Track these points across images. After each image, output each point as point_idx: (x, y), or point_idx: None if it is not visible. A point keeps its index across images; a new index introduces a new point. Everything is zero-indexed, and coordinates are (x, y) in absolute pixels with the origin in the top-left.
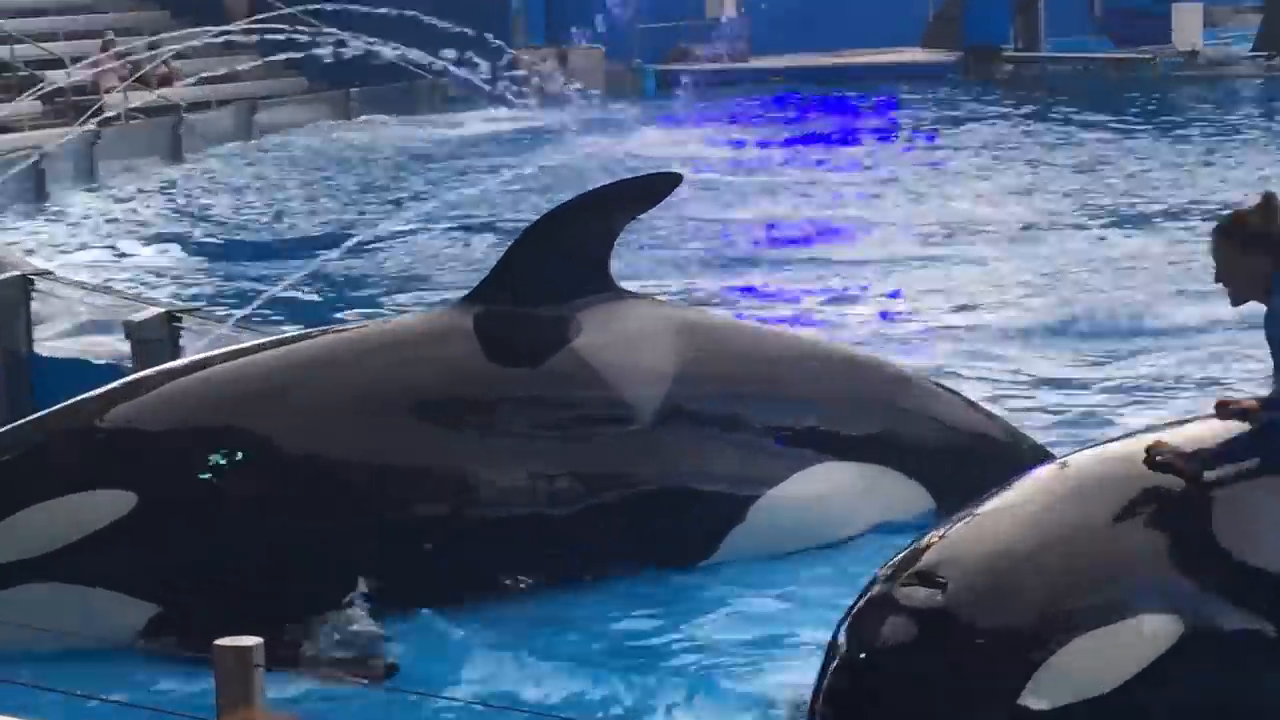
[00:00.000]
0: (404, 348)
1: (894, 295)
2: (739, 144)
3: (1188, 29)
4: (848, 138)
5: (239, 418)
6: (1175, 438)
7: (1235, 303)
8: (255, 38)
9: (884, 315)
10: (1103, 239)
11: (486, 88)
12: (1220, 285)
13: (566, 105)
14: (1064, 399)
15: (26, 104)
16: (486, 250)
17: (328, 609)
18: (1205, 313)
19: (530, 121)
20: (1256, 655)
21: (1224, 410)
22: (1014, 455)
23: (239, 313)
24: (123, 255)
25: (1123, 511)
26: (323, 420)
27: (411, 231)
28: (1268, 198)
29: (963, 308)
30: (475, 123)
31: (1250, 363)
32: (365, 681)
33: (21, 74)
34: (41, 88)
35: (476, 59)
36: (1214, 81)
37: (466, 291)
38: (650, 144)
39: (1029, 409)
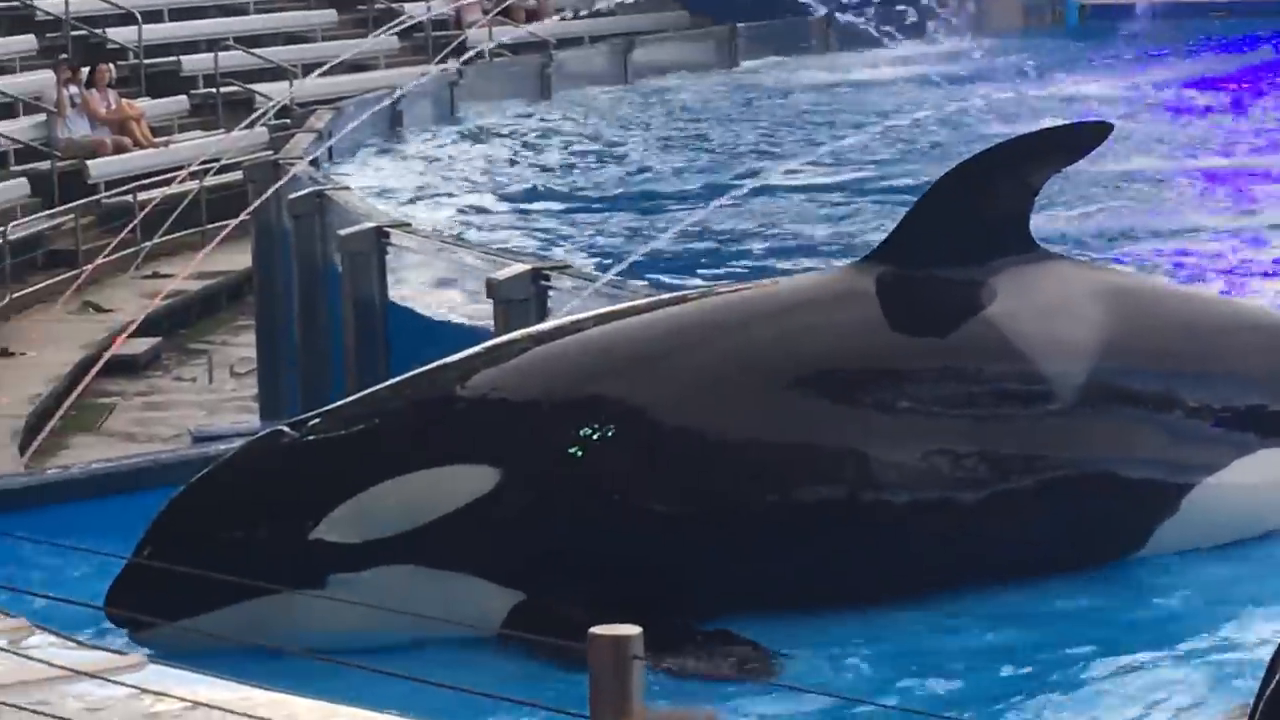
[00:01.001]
0: (797, 313)
1: None
2: (1181, 86)
3: None
4: None
5: (615, 388)
6: None
7: None
8: None
9: None
10: None
11: (883, 26)
12: None
13: (971, 44)
14: None
15: (384, 39)
16: (895, 207)
17: (708, 601)
18: None
19: (932, 62)
20: None
21: None
22: None
23: (611, 271)
24: (483, 206)
25: None
26: (708, 393)
27: (814, 185)
28: None
29: None
30: (872, 64)
31: None
32: (752, 678)
33: (379, 7)
34: (400, 22)
35: None
36: None
37: (869, 251)
38: (1077, 90)
39: None
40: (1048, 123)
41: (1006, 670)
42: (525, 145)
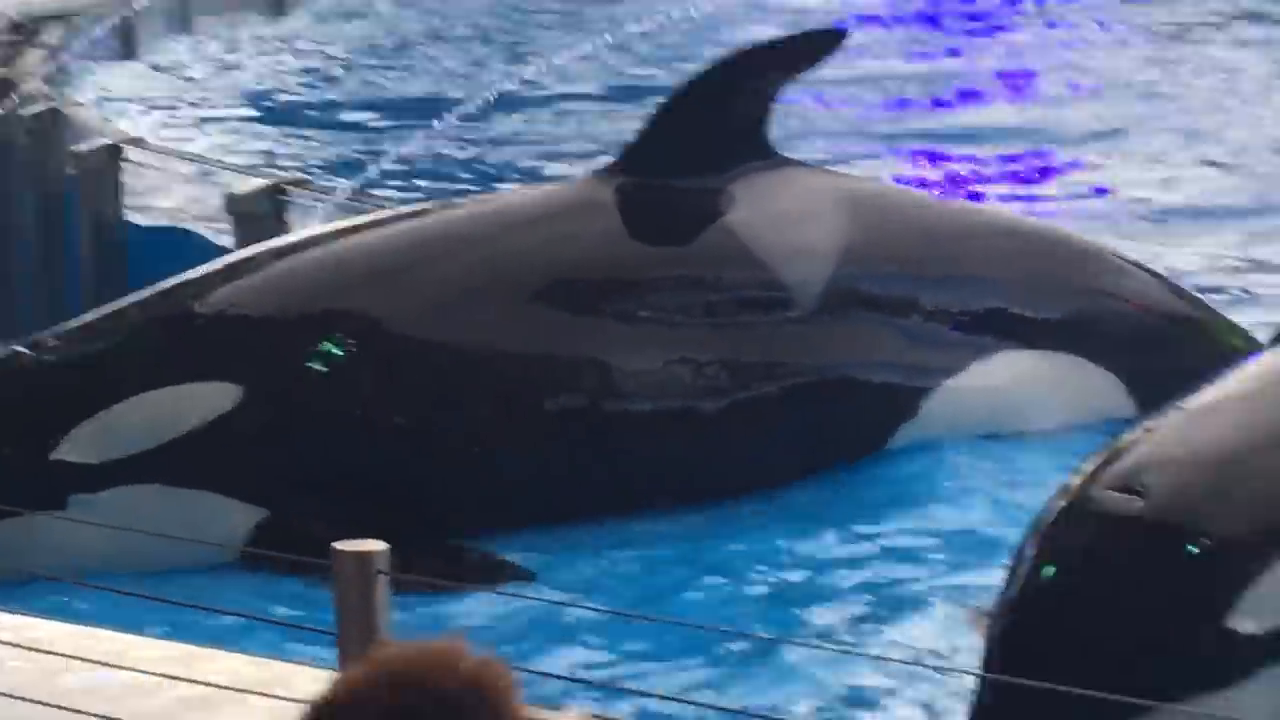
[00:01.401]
0: (538, 225)
1: (1076, 165)
2: None
3: None
4: None
5: (355, 302)
6: None
7: None
8: None
9: (1072, 181)
10: None
11: None
12: None
13: None
14: (1272, 280)
15: None
16: (626, 115)
17: (455, 514)
18: None
19: None
20: None
21: None
22: (1219, 343)
23: (351, 183)
24: (221, 119)
25: None
26: (448, 306)
27: (557, 94)
28: None
29: (1164, 181)
30: None
31: None
32: (495, 589)
33: None
34: None
35: None
36: None
37: (611, 160)
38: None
39: (1232, 292)
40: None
41: (715, 577)
42: (263, 58)
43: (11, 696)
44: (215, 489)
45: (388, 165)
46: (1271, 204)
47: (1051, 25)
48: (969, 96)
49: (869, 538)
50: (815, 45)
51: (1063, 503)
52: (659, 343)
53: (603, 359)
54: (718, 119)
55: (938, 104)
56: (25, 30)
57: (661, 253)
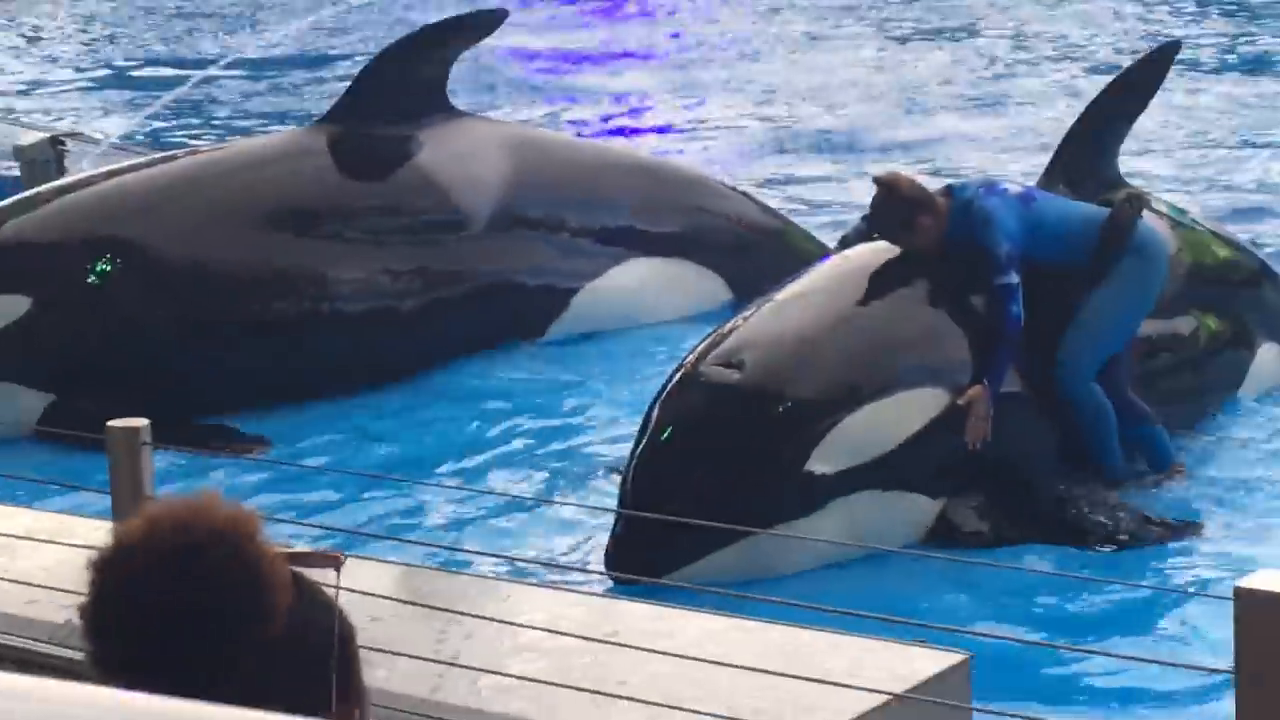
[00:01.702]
0: (265, 165)
1: (698, 104)
2: None
3: None
4: None
5: (122, 229)
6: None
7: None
8: None
9: (673, 121)
10: (861, 49)
11: None
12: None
13: None
14: (814, 195)
15: None
16: (341, 78)
17: (204, 394)
18: (946, 125)
19: None
20: (1004, 416)
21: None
22: (798, 249)
23: (114, 137)
24: (13, 86)
25: (894, 301)
26: (197, 230)
27: (275, 60)
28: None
29: (742, 114)
30: None
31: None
32: (243, 454)
33: None
34: None
35: None
36: None
37: (320, 115)
38: None
39: (792, 205)
40: (456, 11)
41: (413, 447)
42: (42, 34)
43: None
44: (14, 380)
45: (147, 120)
46: (803, 135)
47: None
48: (616, 61)
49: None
50: (483, 22)
51: (679, 374)
52: (361, 256)
53: (318, 270)
54: (407, 80)
55: (590, 61)
56: None
57: (363, 187)
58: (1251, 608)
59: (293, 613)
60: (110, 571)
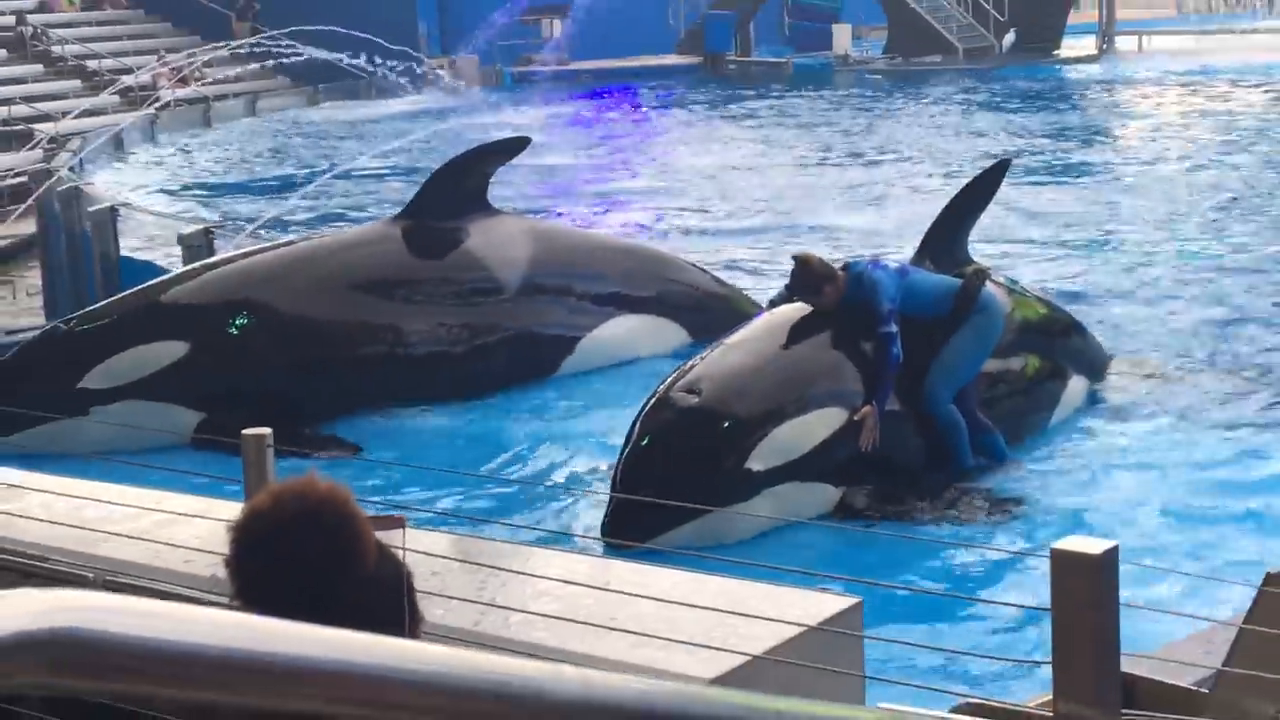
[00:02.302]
0: (357, 247)
1: (652, 214)
2: (569, 118)
3: (842, 40)
4: (635, 111)
5: (256, 293)
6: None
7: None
8: (254, 49)
9: (650, 218)
10: (787, 165)
11: (405, 82)
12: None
13: (455, 94)
14: (753, 269)
15: (107, 97)
16: (411, 184)
17: (313, 412)
18: (843, 219)
19: (435, 104)
20: (887, 427)
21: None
22: (740, 308)
23: (251, 227)
24: (176, 191)
25: (810, 343)
26: (309, 295)
27: (364, 174)
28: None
29: (698, 212)
30: (400, 105)
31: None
32: (339, 454)
33: (106, 78)
34: (119, 86)
35: (398, 63)
36: (860, 74)
37: (397, 211)
38: (512, 119)
39: (737, 276)
40: (495, 137)
41: (475, 448)
42: (199, 155)
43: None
44: (175, 402)
45: (271, 218)
46: (744, 226)
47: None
48: (610, 172)
49: (558, 419)
50: (515, 145)
51: (654, 398)
52: (428, 314)
53: (394, 323)
54: (457, 187)
55: (595, 177)
56: (58, 140)
57: (426, 264)
58: (1062, 563)
59: (375, 560)
60: (248, 531)
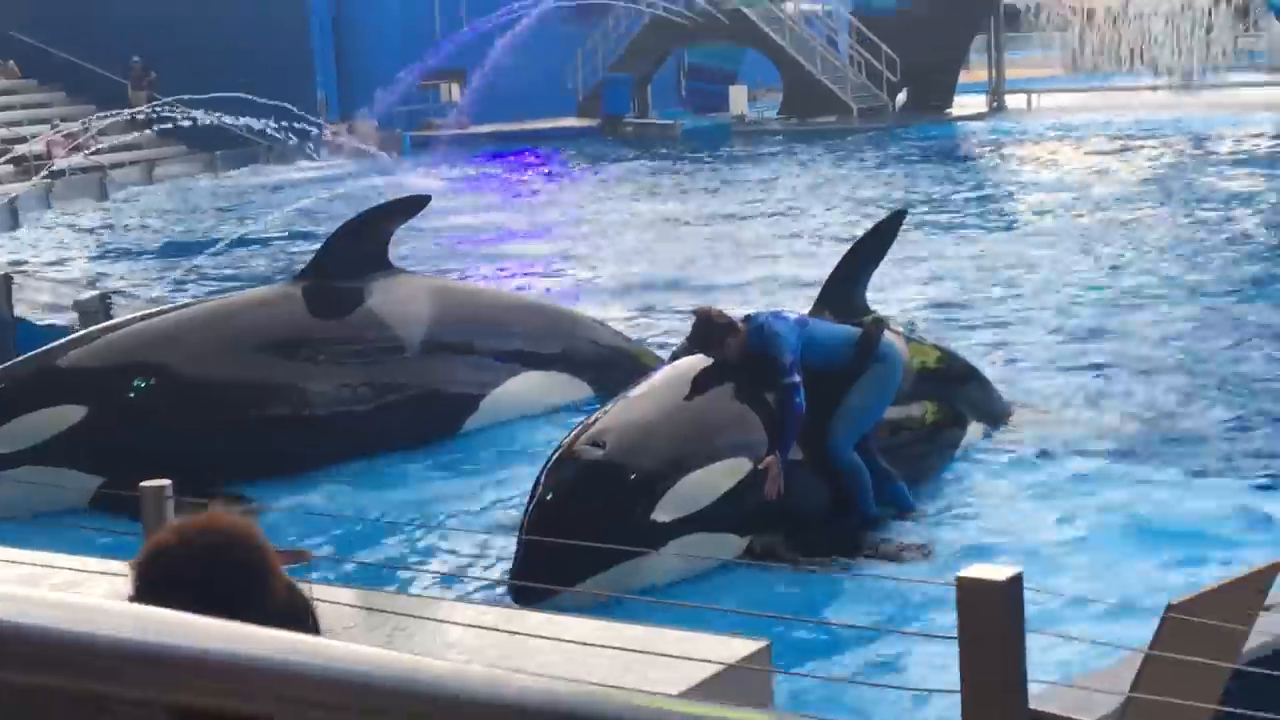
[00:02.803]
0: (258, 308)
1: (555, 272)
2: (470, 180)
3: (738, 101)
4: (532, 172)
5: (151, 355)
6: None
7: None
8: (149, 116)
9: (552, 276)
10: (686, 223)
11: (304, 148)
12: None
13: (355, 158)
14: (655, 324)
15: (1, 167)
16: (310, 247)
17: (217, 477)
18: (737, 275)
19: (335, 169)
20: (791, 476)
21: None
22: (641, 361)
23: (149, 294)
24: (71, 258)
25: (712, 395)
26: (204, 356)
27: (263, 239)
28: (705, 313)
29: (600, 269)
30: (299, 171)
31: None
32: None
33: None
34: (12, 155)
35: (296, 128)
36: (757, 135)
37: (297, 272)
38: (411, 181)
39: (639, 330)
40: (395, 196)
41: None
42: (95, 223)
43: None
44: (73, 467)
45: (170, 282)
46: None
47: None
48: (510, 231)
49: (464, 472)
50: (414, 204)
51: (558, 452)
52: (329, 374)
53: (296, 383)
54: (360, 247)
55: (495, 236)
56: None
57: (328, 324)
58: (969, 592)
59: (284, 594)
60: (151, 566)
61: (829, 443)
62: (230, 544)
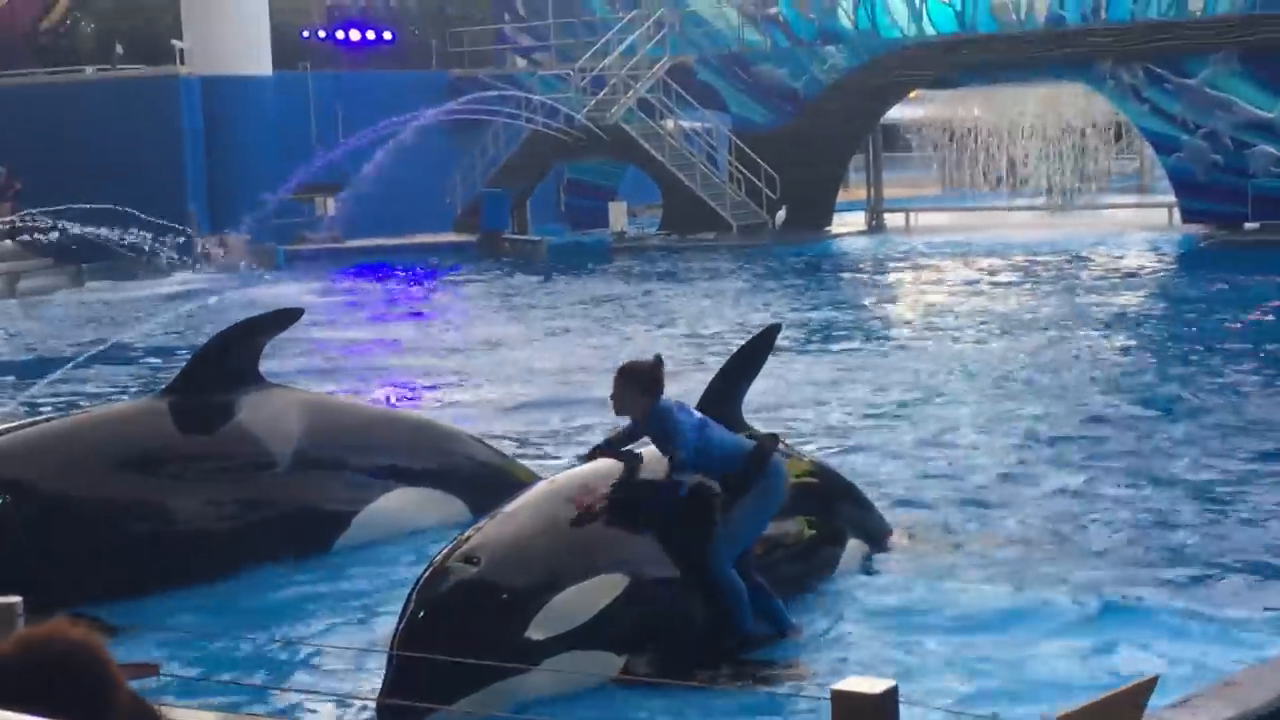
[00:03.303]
0: (120, 423)
1: (430, 388)
2: (344, 294)
3: (618, 217)
4: (407, 286)
5: (9, 469)
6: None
7: (619, 415)
8: (13, 226)
9: (426, 392)
10: (564, 338)
11: (175, 260)
12: (610, 403)
13: (227, 271)
14: (532, 441)
15: None
16: (178, 362)
17: (72, 596)
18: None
19: (205, 283)
20: (669, 593)
21: (597, 453)
22: (515, 477)
23: (3, 410)
24: None
25: (590, 510)
26: (67, 471)
27: (129, 354)
28: (657, 357)
29: (474, 386)
30: (169, 284)
31: None
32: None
33: None
34: None
35: (166, 241)
36: (638, 250)
37: (164, 386)
38: (284, 294)
39: (518, 449)
40: (263, 310)
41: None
42: None
43: None
44: None
45: (31, 393)
46: (525, 401)
47: (415, 298)
48: (383, 347)
49: (334, 591)
50: (286, 317)
51: (430, 569)
52: (195, 491)
53: (159, 500)
54: (229, 360)
55: (368, 351)
56: None
57: (194, 439)
58: (843, 705)
59: (128, 707)
60: None
61: (708, 558)
62: (71, 654)
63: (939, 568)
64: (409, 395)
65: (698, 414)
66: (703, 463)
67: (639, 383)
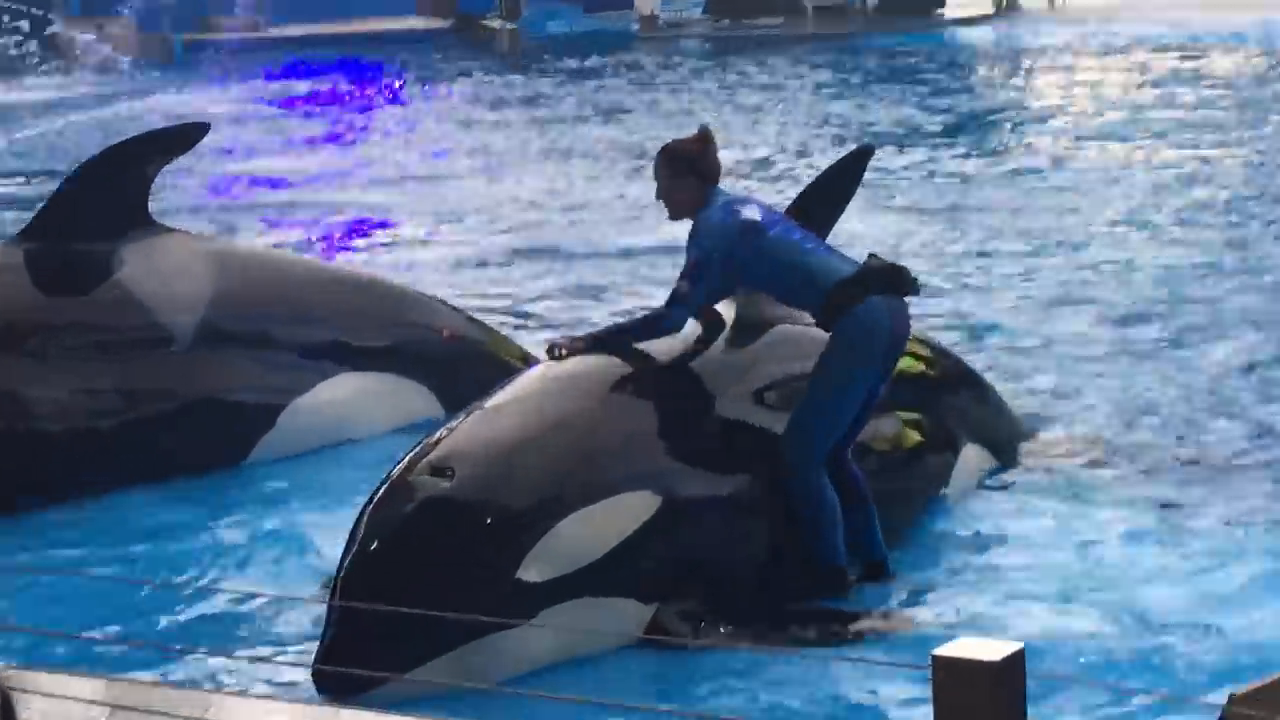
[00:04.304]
0: None
1: (386, 225)
2: (262, 102)
3: None
4: (354, 91)
5: None
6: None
7: (673, 218)
8: None
9: (379, 237)
10: (560, 172)
11: (36, 55)
12: (660, 202)
13: (105, 71)
14: (519, 306)
15: None
16: (40, 194)
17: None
18: (635, 240)
19: (76, 87)
20: (719, 519)
21: (552, 351)
22: (504, 360)
23: None
24: None
25: (601, 406)
26: None
27: None
28: (703, 130)
29: (447, 230)
30: (30, 89)
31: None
32: None
33: None
34: None
35: (20, 28)
36: (671, 41)
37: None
38: (184, 103)
39: (511, 318)
40: (159, 125)
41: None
42: None
43: None
44: None
45: None
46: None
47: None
48: (322, 176)
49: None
50: (185, 136)
51: (387, 484)
52: (58, 374)
53: (12, 387)
54: (107, 196)
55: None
56: None
57: (58, 303)
58: (949, 674)
59: None
60: None
61: (783, 453)
62: None
63: (1085, 487)
64: (356, 244)
65: (750, 215)
66: (756, 281)
67: (679, 159)
